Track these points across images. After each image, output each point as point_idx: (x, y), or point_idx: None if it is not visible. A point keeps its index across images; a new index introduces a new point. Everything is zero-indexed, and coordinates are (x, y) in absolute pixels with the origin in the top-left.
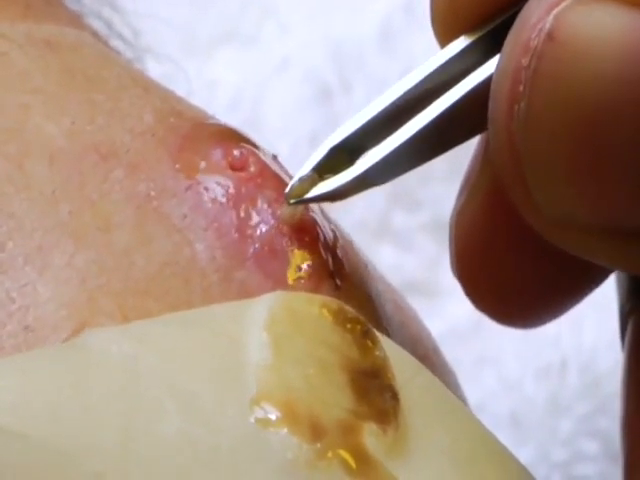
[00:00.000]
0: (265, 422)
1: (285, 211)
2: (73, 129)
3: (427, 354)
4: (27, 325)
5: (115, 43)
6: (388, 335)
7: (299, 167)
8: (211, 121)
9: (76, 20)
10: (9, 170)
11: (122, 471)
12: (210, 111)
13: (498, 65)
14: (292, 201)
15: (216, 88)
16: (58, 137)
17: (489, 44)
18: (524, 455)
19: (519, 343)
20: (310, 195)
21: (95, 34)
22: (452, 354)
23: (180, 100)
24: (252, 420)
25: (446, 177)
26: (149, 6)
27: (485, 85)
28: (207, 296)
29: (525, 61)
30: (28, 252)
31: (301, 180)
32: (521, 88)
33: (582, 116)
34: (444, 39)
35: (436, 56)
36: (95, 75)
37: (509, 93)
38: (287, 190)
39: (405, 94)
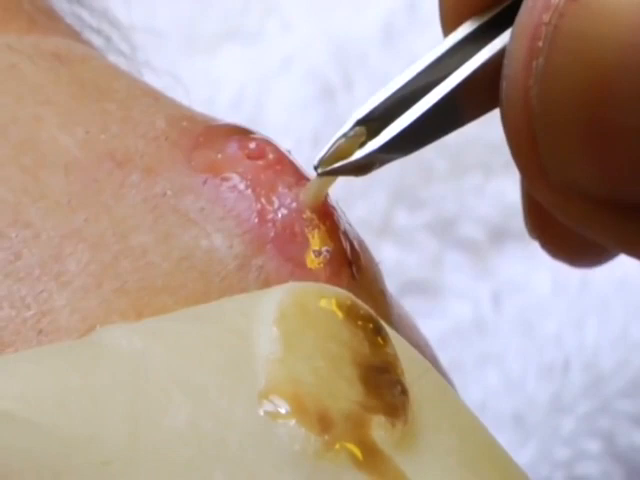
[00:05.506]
0: (274, 415)
1: (308, 193)
2: (87, 138)
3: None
4: (41, 329)
5: (112, 58)
6: (397, 330)
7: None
8: (222, 122)
9: (76, 35)
10: (25, 181)
11: (129, 460)
12: (213, 109)
13: (517, 21)
14: (320, 171)
15: (219, 86)
16: (72, 147)
17: (497, 27)
18: (526, 454)
19: (522, 342)
20: (338, 165)
21: (94, 49)
22: (454, 353)
23: (189, 108)
24: (261, 413)
25: (448, 176)
26: (151, 6)
27: (496, 59)
28: (224, 285)
29: (546, 17)
30: (44, 260)
31: (329, 151)
32: (540, 44)
33: (599, 75)
34: (450, 25)
35: (445, 41)
36: (105, 86)
37: (528, 48)
38: (316, 161)
39: (415, 77)
